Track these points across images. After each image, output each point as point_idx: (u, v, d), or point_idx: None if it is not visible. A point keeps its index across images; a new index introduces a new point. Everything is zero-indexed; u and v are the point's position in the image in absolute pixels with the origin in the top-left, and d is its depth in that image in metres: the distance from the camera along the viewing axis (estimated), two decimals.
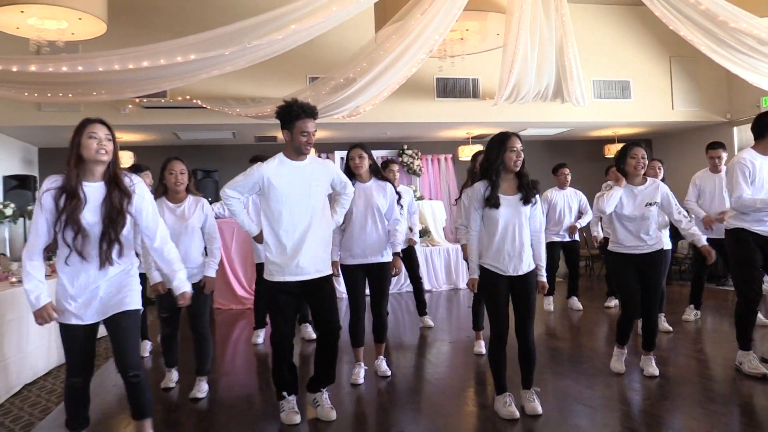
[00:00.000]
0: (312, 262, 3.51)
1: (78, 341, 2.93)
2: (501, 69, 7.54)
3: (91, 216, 2.81)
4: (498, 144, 3.57)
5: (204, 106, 8.22)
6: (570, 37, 7.31)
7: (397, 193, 4.60)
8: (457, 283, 9.47)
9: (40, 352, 4.94)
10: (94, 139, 2.80)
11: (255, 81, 8.39)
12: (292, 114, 3.47)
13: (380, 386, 4.44)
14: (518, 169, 3.57)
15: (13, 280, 4.86)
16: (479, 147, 10.68)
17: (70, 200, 2.77)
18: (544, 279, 3.69)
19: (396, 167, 6.28)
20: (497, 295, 3.60)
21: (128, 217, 2.88)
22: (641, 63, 9.95)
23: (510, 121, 9.68)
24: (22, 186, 9.33)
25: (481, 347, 5.24)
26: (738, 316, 4.35)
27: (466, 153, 10.74)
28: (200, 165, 10.44)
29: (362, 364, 4.60)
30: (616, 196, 4.24)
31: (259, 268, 6.03)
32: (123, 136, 9.41)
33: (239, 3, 8.10)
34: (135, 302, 2.95)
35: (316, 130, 3.50)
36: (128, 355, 2.90)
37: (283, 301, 3.55)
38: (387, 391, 4.35)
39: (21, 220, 9.17)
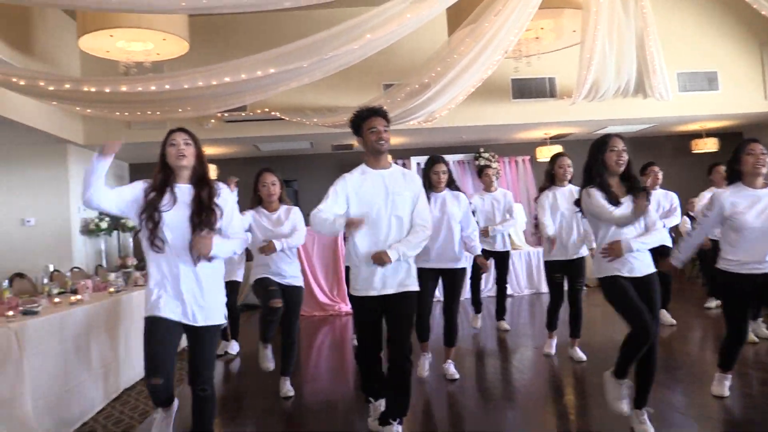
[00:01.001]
0: (394, 275, 3.38)
1: (166, 338, 2.99)
2: (579, 66, 7.35)
3: (179, 214, 2.95)
4: (597, 146, 3.41)
5: (282, 117, 8.43)
6: (651, 30, 7.03)
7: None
8: (539, 287, 9.27)
9: (137, 358, 5.17)
10: (174, 146, 3.01)
11: (331, 91, 8.52)
12: (360, 117, 3.47)
13: (459, 390, 4.40)
14: (621, 169, 3.38)
15: (112, 290, 5.11)
16: (558, 147, 10.49)
17: (153, 193, 2.98)
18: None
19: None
20: (628, 295, 3.33)
21: (218, 213, 2.99)
22: (728, 52, 9.46)
23: (589, 119, 9.42)
24: None
25: (552, 348, 5.26)
26: None
27: (545, 154, 10.52)
28: (280, 175, 10.65)
29: (428, 355, 4.77)
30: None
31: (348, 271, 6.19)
32: (206, 150, 9.74)
33: (314, 16, 8.25)
34: (219, 317, 3.05)
35: (387, 129, 3.40)
36: (202, 368, 2.99)
37: (367, 317, 3.48)
38: (461, 396, 4.31)
39: (115, 232, 9.68)
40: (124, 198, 3.02)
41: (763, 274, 3.56)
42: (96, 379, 4.34)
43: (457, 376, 4.68)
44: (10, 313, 3.69)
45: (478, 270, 6.45)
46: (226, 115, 8.42)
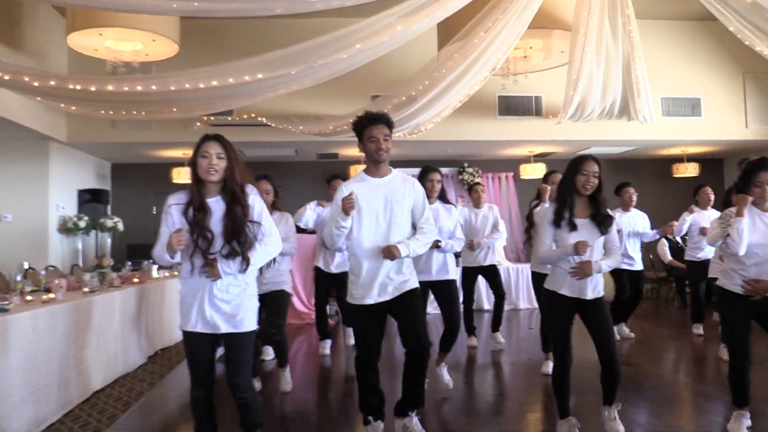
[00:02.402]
0: (393, 282, 3.40)
1: (199, 351, 3.02)
2: (566, 86, 7.42)
3: (216, 226, 2.92)
4: (572, 165, 3.52)
5: (269, 123, 8.41)
6: (638, 54, 7.13)
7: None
8: (517, 304, 9.32)
9: (110, 360, 5.11)
10: (206, 158, 2.92)
11: (318, 99, 8.52)
12: (360, 125, 3.46)
13: (442, 406, 4.39)
14: (587, 193, 3.46)
15: (86, 290, 5.04)
16: (541, 165, 10.58)
17: (196, 212, 2.92)
18: None
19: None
20: (563, 319, 3.51)
21: (248, 229, 2.94)
22: (712, 80, 9.61)
23: (574, 140, 9.51)
24: (95, 200, 9.75)
25: (549, 368, 5.14)
26: None
27: (528, 171, 10.60)
28: (275, 183, 10.64)
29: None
30: (743, 229, 3.46)
31: (318, 273, 6.18)
32: (190, 153, 9.71)
33: (305, 24, 8.26)
34: (250, 324, 3.01)
35: (388, 138, 3.40)
36: (238, 375, 2.98)
37: (365, 324, 3.46)
38: (445, 412, 4.29)
39: (93, 232, 9.57)
40: None
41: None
42: (65, 381, 4.27)
43: (451, 385, 4.65)
44: None
45: (471, 292, 6.46)
46: (212, 118, 8.38)
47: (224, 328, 2.93)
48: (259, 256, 2.96)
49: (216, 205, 2.95)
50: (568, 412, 3.57)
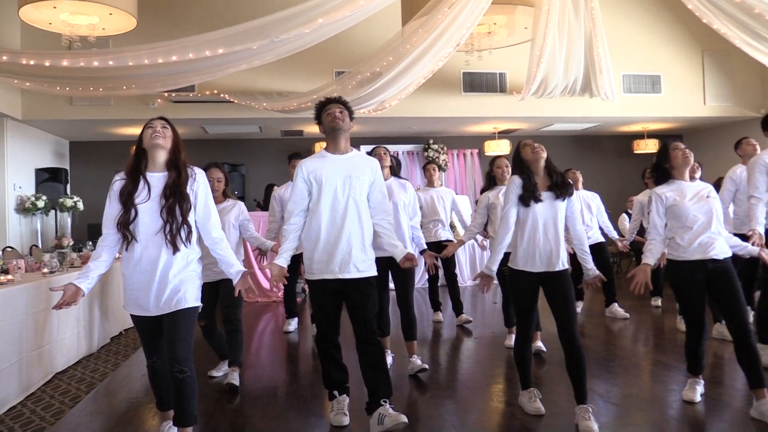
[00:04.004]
0: (352, 259, 3.39)
1: (146, 330, 3.07)
2: (529, 63, 7.47)
3: (154, 203, 2.91)
4: (515, 150, 3.69)
5: (231, 100, 8.29)
6: (599, 31, 7.20)
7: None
8: None
9: (72, 342, 5.03)
10: (151, 128, 2.97)
11: (282, 75, 8.42)
12: (319, 108, 3.59)
13: (406, 380, 4.44)
14: (539, 158, 3.53)
15: (45, 271, 4.94)
16: (506, 142, 10.66)
17: (128, 185, 2.93)
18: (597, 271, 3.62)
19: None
20: (527, 296, 3.56)
21: (191, 201, 2.96)
22: (672, 57, 9.78)
23: (537, 116, 9.60)
24: (53, 179, 9.52)
25: (512, 341, 5.21)
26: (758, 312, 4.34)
27: (493, 148, 10.67)
28: (227, 159, 10.53)
29: (389, 351, 4.69)
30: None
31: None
32: None
33: None
34: (192, 300, 2.98)
35: (342, 111, 3.50)
36: (176, 347, 2.91)
37: (325, 300, 3.47)
38: (414, 386, 4.35)
39: (53, 212, 9.36)
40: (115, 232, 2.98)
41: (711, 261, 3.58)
42: (26, 363, 4.19)
43: (425, 366, 4.59)
44: None
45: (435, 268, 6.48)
46: (173, 95, 8.23)
47: (170, 308, 2.94)
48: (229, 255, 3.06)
49: (159, 180, 2.95)
50: (529, 383, 3.66)
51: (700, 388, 3.78)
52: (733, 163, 5.83)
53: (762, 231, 4.19)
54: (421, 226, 5.76)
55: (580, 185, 6.77)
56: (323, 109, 3.55)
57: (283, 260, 3.45)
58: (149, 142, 2.94)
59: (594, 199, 6.85)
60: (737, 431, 3.33)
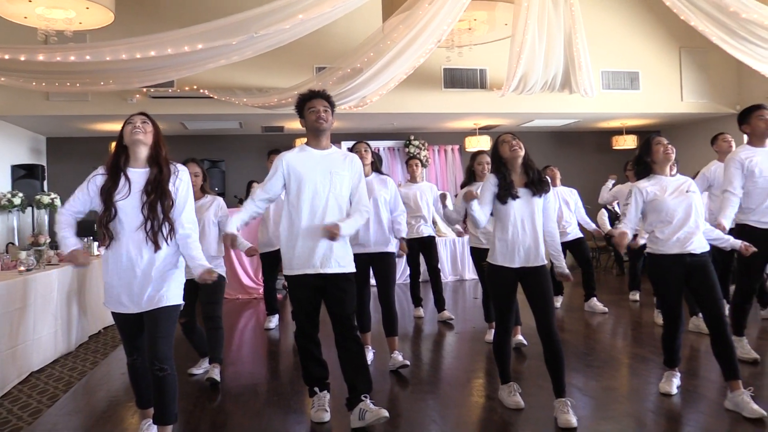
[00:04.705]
0: (333, 254, 3.39)
1: (126, 327, 3.04)
2: (509, 59, 7.51)
3: (135, 199, 2.88)
4: (493, 147, 3.69)
5: (211, 95, 8.23)
6: (579, 28, 7.26)
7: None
8: (463, 274, 9.48)
9: (48, 340, 4.98)
10: (131, 124, 2.94)
11: (262, 71, 8.38)
12: (301, 100, 3.54)
13: (386, 375, 4.45)
14: (517, 156, 3.53)
15: (22, 269, 4.88)
16: (486, 138, 10.71)
17: (107, 183, 2.90)
18: (567, 271, 3.66)
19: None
20: (506, 292, 3.57)
21: (173, 197, 2.93)
22: (650, 54, 9.87)
23: (517, 112, 9.64)
24: (30, 175, 9.39)
25: (492, 335, 5.24)
26: (733, 306, 4.42)
27: (473, 144, 10.71)
28: (207, 155, 10.46)
29: (370, 348, 4.69)
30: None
31: (264, 257, 6.11)
32: None
33: None
34: (174, 298, 2.96)
35: (327, 110, 3.46)
36: (157, 345, 2.88)
37: (304, 297, 3.44)
38: (395, 382, 4.36)
39: (29, 209, 9.22)
40: (81, 210, 2.99)
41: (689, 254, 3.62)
42: (1, 362, 4.14)
43: (407, 363, 4.55)
44: None
45: (417, 264, 6.50)
46: (151, 90, 8.14)
47: (151, 306, 2.92)
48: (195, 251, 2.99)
49: (140, 176, 2.93)
50: (509, 378, 3.69)
51: (676, 381, 3.84)
52: (709, 159, 5.92)
53: (727, 226, 4.23)
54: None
55: (558, 182, 6.85)
56: (306, 102, 3.49)
57: (232, 227, 3.45)
58: (129, 138, 2.92)
59: (572, 195, 6.92)
60: (712, 422, 3.38)
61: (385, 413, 3.26)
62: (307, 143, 3.55)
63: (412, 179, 6.53)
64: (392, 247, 4.65)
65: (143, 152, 2.95)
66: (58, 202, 9.35)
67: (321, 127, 3.45)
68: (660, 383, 3.87)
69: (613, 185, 8.46)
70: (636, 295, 7.22)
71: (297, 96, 3.59)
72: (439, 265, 6.78)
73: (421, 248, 6.43)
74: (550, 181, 6.50)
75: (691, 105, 10.13)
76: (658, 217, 3.68)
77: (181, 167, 3.04)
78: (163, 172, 2.93)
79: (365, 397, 3.36)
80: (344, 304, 3.43)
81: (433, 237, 6.49)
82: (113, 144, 3.03)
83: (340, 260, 3.43)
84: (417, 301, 6.64)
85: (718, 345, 3.54)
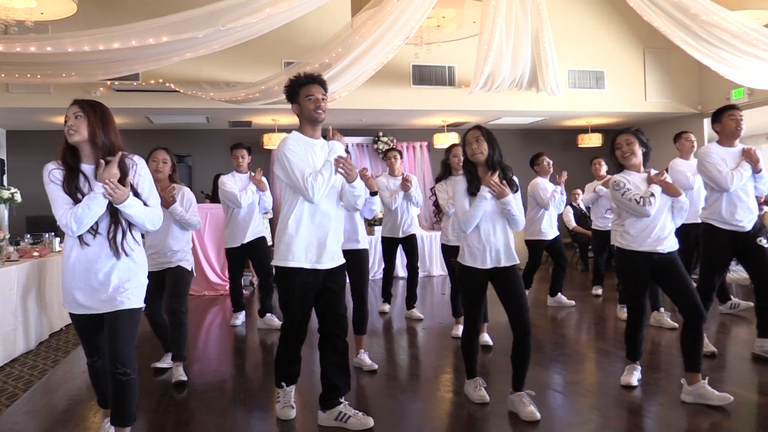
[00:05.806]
0: (329, 248, 3.32)
1: (85, 329, 2.91)
2: (476, 57, 7.55)
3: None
4: (462, 140, 3.64)
5: (177, 89, 8.10)
6: (545, 27, 7.33)
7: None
8: (431, 271, 9.53)
9: (8, 338, 4.86)
10: (66, 122, 2.73)
11: (229, 65, 8.29)
12: (296, 84, 3.32)
13: (353, 371, 4.44)
14: (478, 158, 3.49)
15: None
16: (454, 135, 10.76)
17: (68, 175, 2.71)
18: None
19: (395, 153, 6.48)
20: (476, 291, 3.58)
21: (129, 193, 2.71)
22: (616, 54, 10.03)
23: (485, 110, 9.71)
24: None
25: (459, 331, 5.27)
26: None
27: (442, 141, 10.76)
28: (174, 150, 10.18)
29: (364, 351, 4.63)
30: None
31: (229, 253, 6.05)
32: None
33: None
34: (136, 300, 2.83)
35: (325, 98, 3.29)
36: (119, 348, 2.75)
37: (300, 288, 3.31)
38: (361, 376, 4.36)
39: None
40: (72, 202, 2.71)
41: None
42: None
43: (375, 366, 4.50)
44: None
45: (393, 261, 6.49)
46: (115, 83, 7.99)
47: (111, 308, 2.78)
48: (137, 207, 2.74)
49: (92, 173, 2.73)
50: (475, 373, 3.72)
51: (637, 374, 3.94)
52: (671, 157, 6.05)
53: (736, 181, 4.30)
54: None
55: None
56: (302, 88, 3.29)
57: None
58: (67, 138, 2.71)
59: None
60: (670, 414, 3.46)
61: (371, 422, 3.25)
62: (300, 131, 3.38)
63: (392, 172, 6.42)
64: (364, 244, 4.54)
65: (87, 148, 2.74)
66: (18, 196, 9.12)
67: (320, 117, 3.30)
68: (621, 376, 3.95)
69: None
70: (599, 290, 7.35)
71: (289, 78, 3.35)
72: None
73: (403, 245, 6.38)
74: (543, 174, 6.55)
75: (655, 104, 10.32)
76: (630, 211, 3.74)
77: (137, 158, 2.84)
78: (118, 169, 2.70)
79: (343, 399, 3.34)
80: (340, 300, 3.38)
81: (415, 234, 6.45)
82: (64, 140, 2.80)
83: (335, 254, 3.38)
84: (387, 297, 6.64)
85: (689, 334, 3.61)
